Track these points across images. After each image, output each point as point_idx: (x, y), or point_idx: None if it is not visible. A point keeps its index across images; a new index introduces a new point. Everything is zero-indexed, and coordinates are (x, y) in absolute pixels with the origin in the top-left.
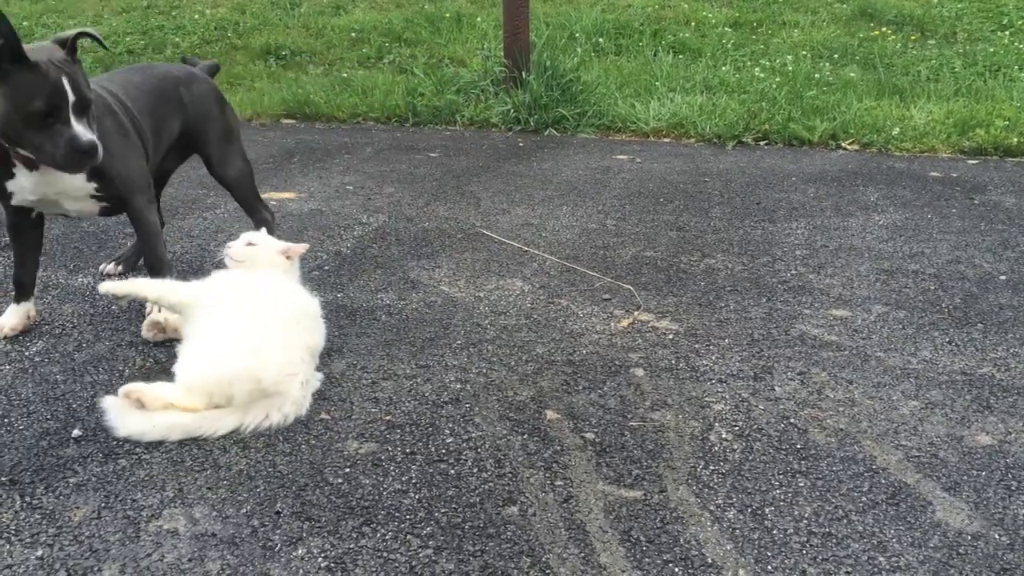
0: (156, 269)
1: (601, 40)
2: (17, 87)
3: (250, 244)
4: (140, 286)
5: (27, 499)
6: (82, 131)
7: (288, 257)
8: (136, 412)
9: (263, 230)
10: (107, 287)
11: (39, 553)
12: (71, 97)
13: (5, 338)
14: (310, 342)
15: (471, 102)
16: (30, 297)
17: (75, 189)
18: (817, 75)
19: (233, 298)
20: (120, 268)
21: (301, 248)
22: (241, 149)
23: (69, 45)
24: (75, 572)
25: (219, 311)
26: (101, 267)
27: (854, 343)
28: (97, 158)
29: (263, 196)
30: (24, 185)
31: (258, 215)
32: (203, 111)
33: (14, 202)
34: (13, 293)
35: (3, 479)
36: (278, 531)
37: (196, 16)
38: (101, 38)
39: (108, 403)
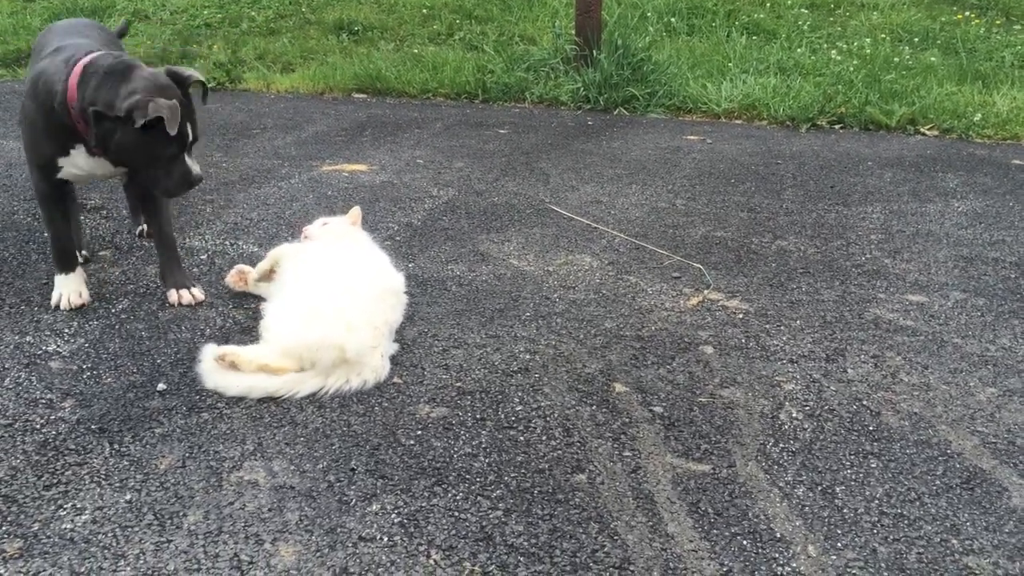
0: (170, 231)
1: (673, 20)
2: (155, 135)
3: (324, 223)
4: (273, 254)
5: (116, 447)
6: (193, 165)
7: (354, 223)
8: (226, 375)
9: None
10: (256, 272)
11: (128, 497)
12: (190, 138)
13: (84, 306)
14: (391, 318)
15: (541, 80)
16: (77, 262)
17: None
18: (896, 59)
19: (325, 267)
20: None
21: (357, 210)
22: None
23: (185, 87)
24: (162, 516)
25: (311, 278)
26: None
27: (930, 328)
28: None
29: (336, 167)
30: (78, 163)
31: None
32: None
33: (60, 175)
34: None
35: (93, 427)
36: (353, 487)
37: None
38: (207, 89)
39: (204, 353)
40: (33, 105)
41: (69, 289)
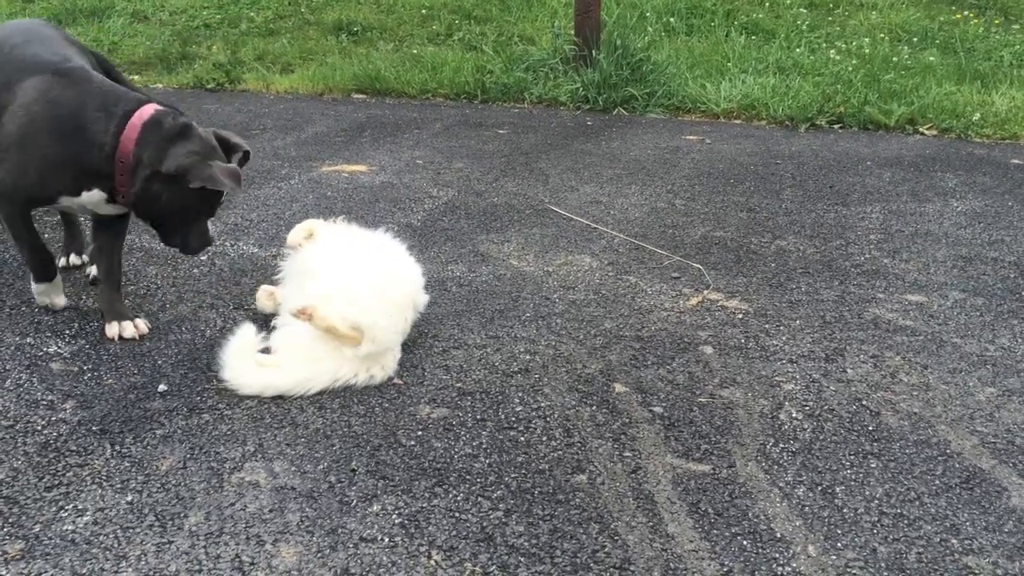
0: (119, 267)
1: (672, 20)
2: (201, 197)
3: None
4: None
5: (117, 448)
6: (212, 230)
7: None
8: (247, 365)
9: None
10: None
11: (129, 498)
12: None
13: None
14: (405, 329)
15: (540, 80)
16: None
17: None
18: (895, 58)
19: (372, 263)
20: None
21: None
22: None
23: (230, 154)
24: (163, 517)
25: (360, 269)
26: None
27: (929, 328)
28: None
29: (335, 168)
30: (82, 201)
31: None
32: None
33: (58, 206)
34: (35, 274)
35: (94, 428)
36: (354, 488)
37: None
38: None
39: (239, 335)
40: (49, 139)
41: (51, 297)
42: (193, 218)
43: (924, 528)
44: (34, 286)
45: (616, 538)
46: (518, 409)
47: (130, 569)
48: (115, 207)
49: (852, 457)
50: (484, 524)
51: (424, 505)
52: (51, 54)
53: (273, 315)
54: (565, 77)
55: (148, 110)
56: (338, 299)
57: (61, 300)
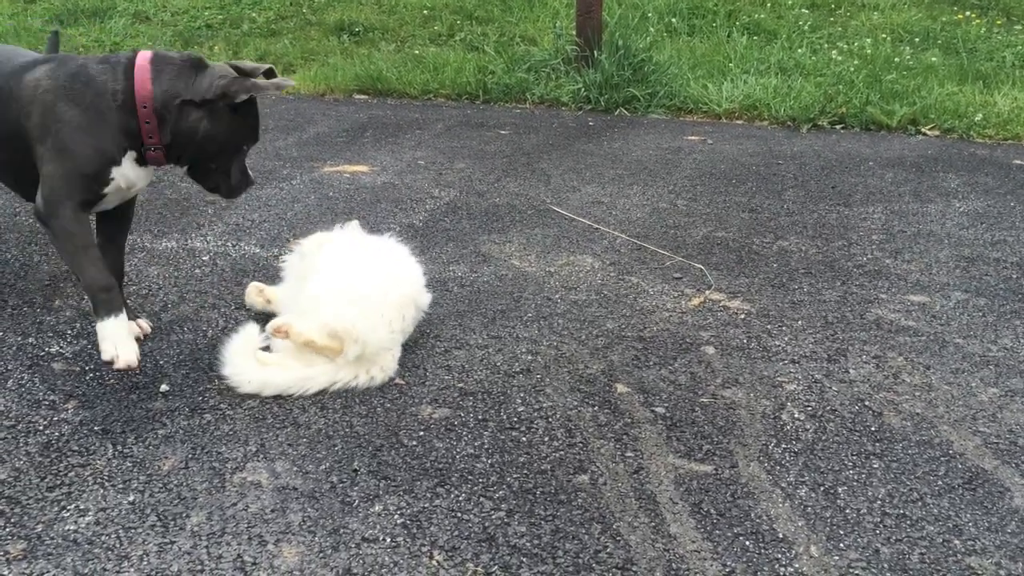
0: (123, 265)
1: (674, 20)
2: (243, 120)
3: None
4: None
5: (118, 448)
6: (248, 169)
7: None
8: (248, 362)
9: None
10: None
11: (131, 498)
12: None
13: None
14: (407, 329)
15: (542, 81)
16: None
17: (148, 177)
18: (897, 59)
19: (365, 264)
20: None
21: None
22: None
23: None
24: (165, 517)
25: (352, 269)
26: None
27: (932, 329)
28: None
29: (337, 168)
30: (125, 173)
31: None
32: None
33: (107, 189)
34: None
35: (96, 428)
36: (356, 488)
37: None
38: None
39: (242, 333)
40: (77, 110)
41: (122, 341)
42: (234, 151)
43: (927, 529)
44: (101, 327)
45: (618, 538)
46: (520, 409)
47: (132, 569)
48: (144, 172)
49: (854, 458)
50: (486, 524)
51: (426, 505)
52: (33, 55)
53: (266, 313)
54: (567, 77)
55: (147, 53)
56: (337, 299)
57: (134, 349)
